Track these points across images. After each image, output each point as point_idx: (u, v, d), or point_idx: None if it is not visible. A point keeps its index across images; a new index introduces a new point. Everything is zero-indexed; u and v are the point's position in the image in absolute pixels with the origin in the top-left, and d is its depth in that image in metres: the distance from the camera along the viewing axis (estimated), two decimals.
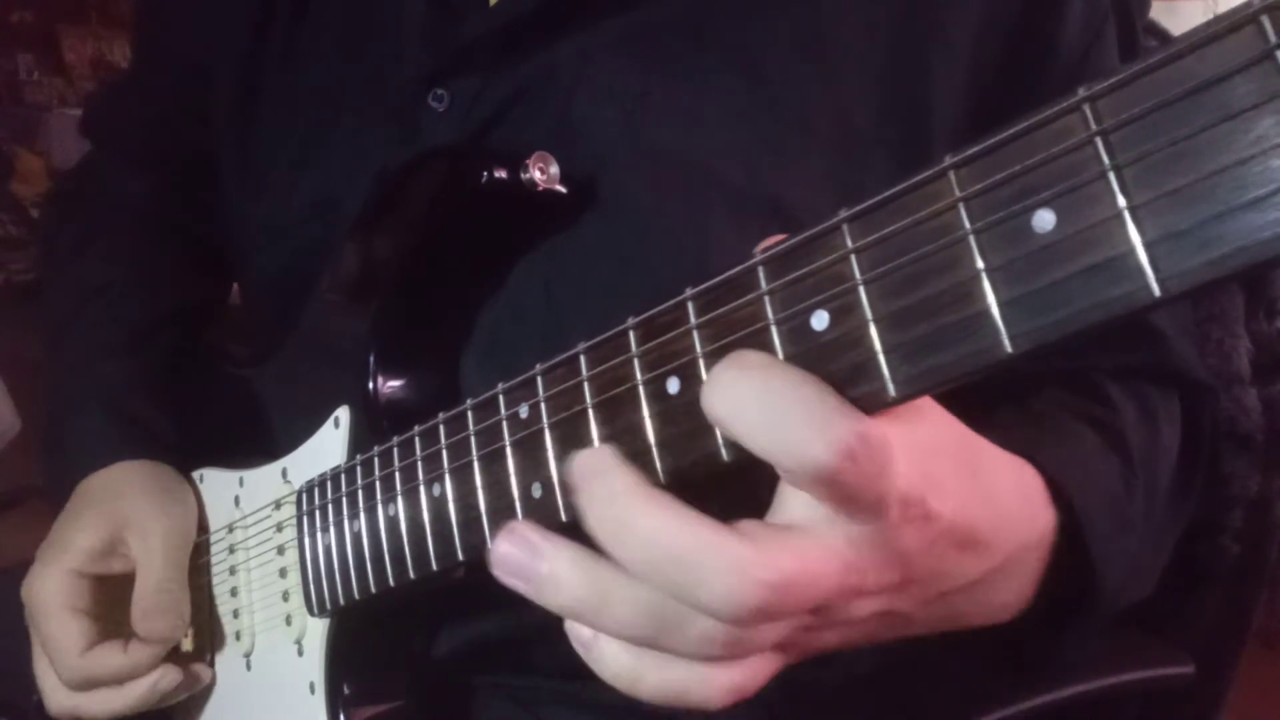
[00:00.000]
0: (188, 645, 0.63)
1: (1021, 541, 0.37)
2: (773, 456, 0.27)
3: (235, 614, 0.61)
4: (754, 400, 0.27)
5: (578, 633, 0.32)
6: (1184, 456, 0.53)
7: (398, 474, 0.47)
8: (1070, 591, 0.41)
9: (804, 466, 0.26)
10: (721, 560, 0.27)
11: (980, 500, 0.33)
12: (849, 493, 0.27)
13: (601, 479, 0.29)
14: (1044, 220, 0.24)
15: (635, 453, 0.35)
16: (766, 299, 0.31)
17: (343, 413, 0.55)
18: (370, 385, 0.54)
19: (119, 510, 0.59)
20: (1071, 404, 0.49)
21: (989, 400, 0.46)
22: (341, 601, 0.51)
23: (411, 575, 0.46)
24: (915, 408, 0.30)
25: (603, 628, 0.31)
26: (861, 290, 0.28)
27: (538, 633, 0.56)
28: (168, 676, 0.58)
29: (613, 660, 0.32)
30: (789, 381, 0.27)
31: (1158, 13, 0.59)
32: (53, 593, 0.57)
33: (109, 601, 0.59)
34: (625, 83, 0.52)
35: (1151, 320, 0.53)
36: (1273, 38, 0.21)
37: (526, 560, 0.30)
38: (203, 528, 0.64)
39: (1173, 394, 0.54)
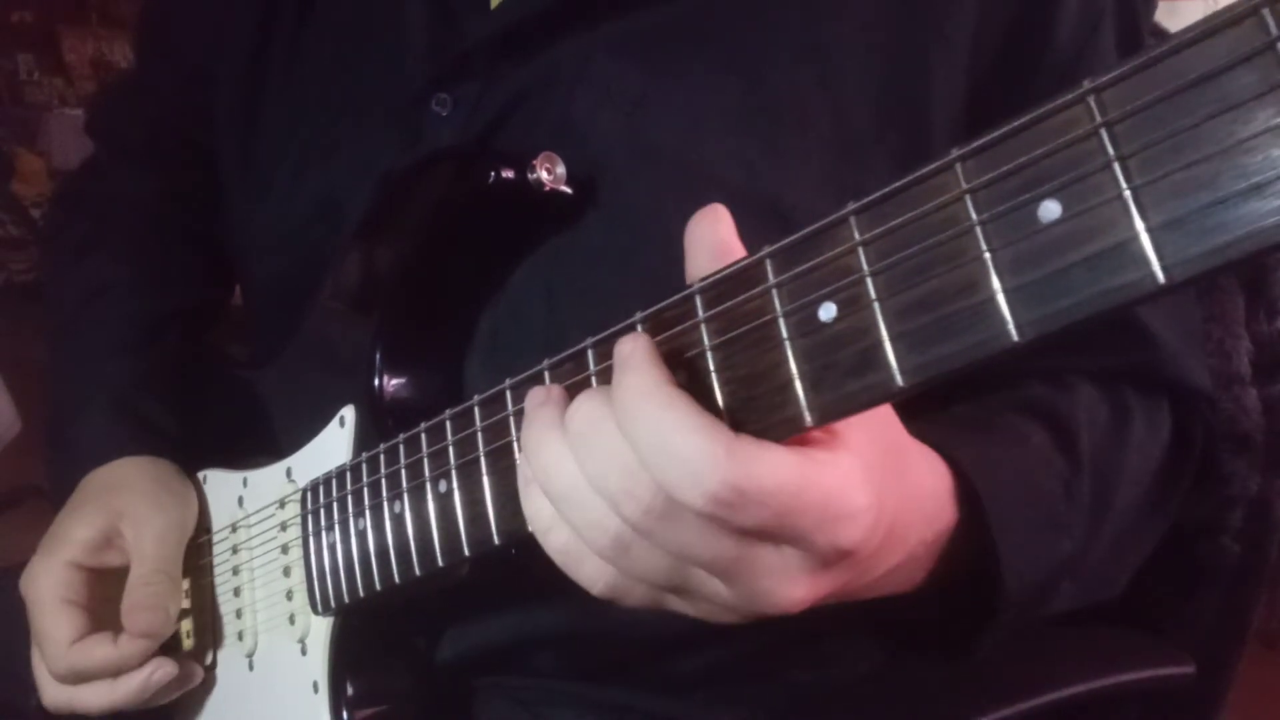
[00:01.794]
0: (189, 644, 0.63)
1: (923, 538, 0.40)
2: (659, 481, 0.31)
3: (238, 613, 0.61)
4: (648, 430, 0.31)
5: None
6: (1168, 463, 0.54)
7: (403, 471, 0.47)
8: (980, 584, 0.44)
9: (685, 501, 0.31)
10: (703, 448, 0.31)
11: (903, 502, 0.37)
12: (746, 528, 0.31)
13: (635, 370, 0.33)
14: (1049, 210, 0.25)
15: None
16: (774, 291, 0.31)
17: (348, 412, 0.55)
18: (375, 383, 0.54)
19: (116, 503, 0.59)
20: (1032, 398, 0.50)
21: (950, 391, 0.48)
22: (346, 600, 0.51)
23: (417, 572, 0.46)
24: (848, 422, 0.33)
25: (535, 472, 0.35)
26: (869, 281, 0.28)
27: (540, 633, 0.57)
28: (160, 671, 0.57)
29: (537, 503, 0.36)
30: (682, 423, 0.31)
31: (1159, 13, 0.60)
32: (47, 584, 0.58)
33: (106, 595, 0.59)
34: (625, 85, 0.53)
35: (1149, 326, 0.53)
36: (1274, 29, 0.21)
37: (534, 401, 0.36)
38: (206, 528, 0.64)
39: (1160, 401, 0.54)
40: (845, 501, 0.32)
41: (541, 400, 0.36)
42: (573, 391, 0.36)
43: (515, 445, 0.40)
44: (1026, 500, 0.45)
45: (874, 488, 0.33)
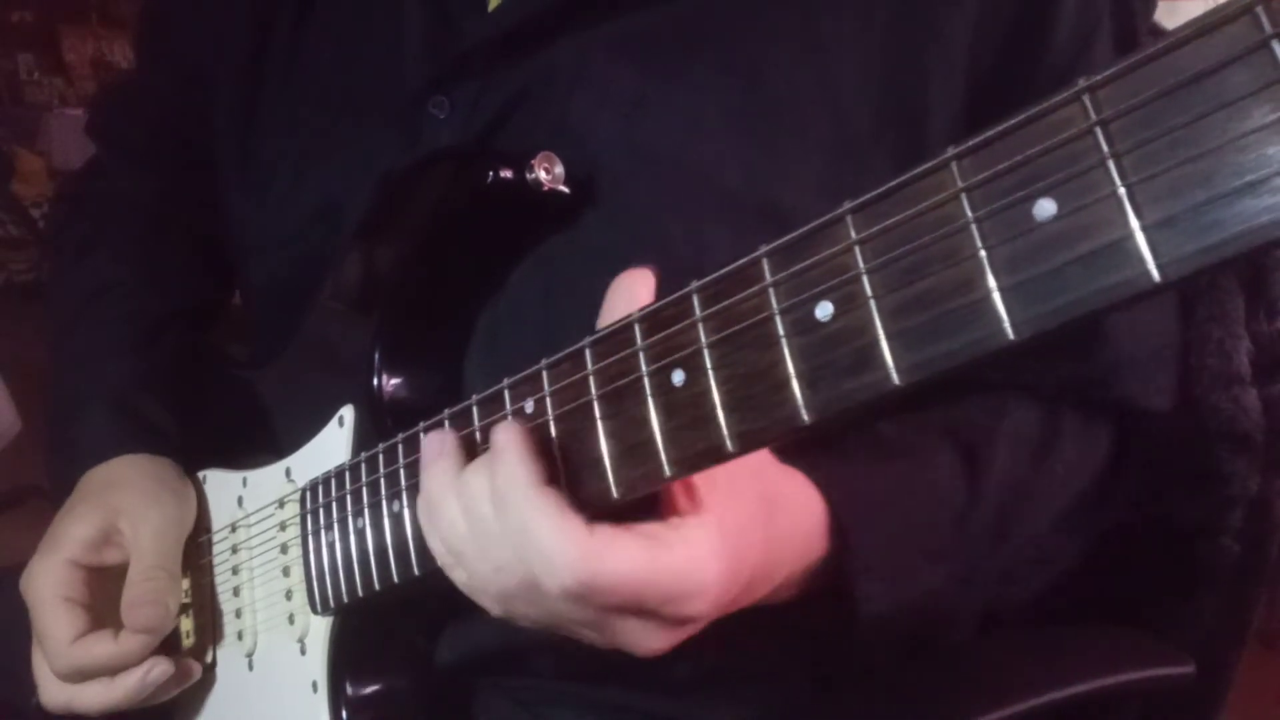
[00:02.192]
0: (189, 643, 0.63)
1: (791, 572, 0.45)
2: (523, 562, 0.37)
3: (238, 613, 0.61)
4: (516, 521, 0.37)
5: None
6: (1097, 485, 0.55)
7: (402, 470, 0.47)
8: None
9: (545, 586, 0.36)
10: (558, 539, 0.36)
11: (770, 548, 0.42)
12: (603, 607, 0.37)
13: (504, 462, 0.38)
14: (1045, 209, 0.25)
15: (639, 443, 0.35)
16: (771, 290, 0.31)
17: (347, 411, 0.55)
18: (375, 382, 0.54)
19: (113, 501, 0.59)
20: (959, 419, 0.52)
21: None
22: (345, 599, 0.51)
23: (415, 572, 0.46)
24: (713, 484, 0.38)
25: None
26: (865, 280, 0.28)
27: (539, 634, 0.57)
28: (157, 668, 0.57)
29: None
30: (542, 522, 0.36)
31: (1158, 13, 0.60)
32: (46, 583, 0.58)
33: (106, 594, 0.59)
34: (622, 87, 0.53)
35: (1113, 339, 0.53)
36: (1268, 27, 0.21)
37: (432, 451, 0.42)
38: (205, 527, 0.64)
39: (1100, 420, 0.55)
40: (691, 581, 0.37)
41: (437, 452, 0.41)
42: (479, 438, 0.41)
43: None
44: (898, 533, 0.48)
45: (729, 552, 0.38)
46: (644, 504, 0.38)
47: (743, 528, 0.39)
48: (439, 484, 0.40)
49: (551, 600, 0.37)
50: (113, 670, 0.57)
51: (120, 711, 0.58)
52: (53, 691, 0.58)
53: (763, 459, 0.42)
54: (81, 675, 0.57)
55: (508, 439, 0.38)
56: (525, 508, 0.36)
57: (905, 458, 0.51)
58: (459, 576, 0.41)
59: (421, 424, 0.46)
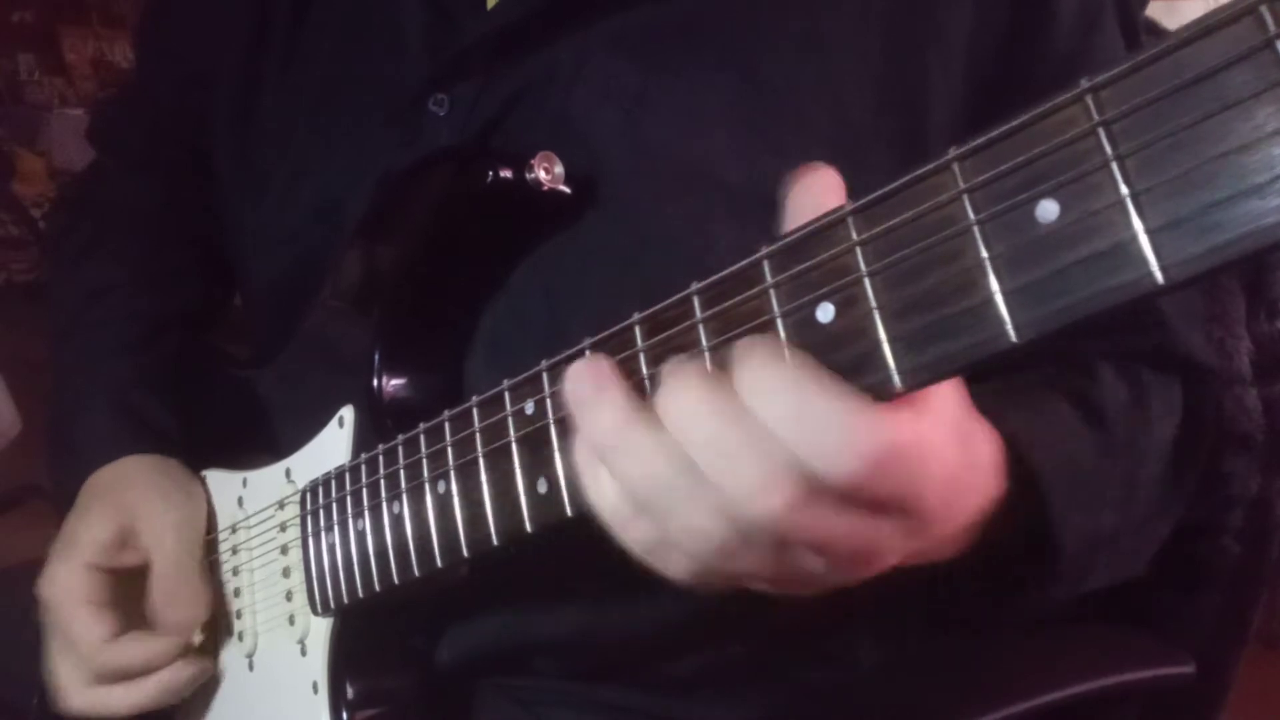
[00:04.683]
0: (199, 642, 0.63)
1: (978, 507, 0.39)
2: (802, 457, 0.29)
3: (238, 614, 0.61)
4: (786, 396, 0.28)
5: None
6: (1181, 444, 0.53)
7: (402, 471, 0.47)
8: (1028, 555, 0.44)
9: (833, 475, 0.28)
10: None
11: (967, 473, 0.35)
12: (880, 499, 0.29)
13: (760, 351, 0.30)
14: (1047, 210, 0.25)
15: None
16: (772, 292, 0.31)
17: (347, 412, 0.55)
18: (375, 383, 0.54)
19: (127, 502, 0.59)
20: (1056, 379, 0.50)
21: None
22: (345, 600, 0.51)
23: (416, 572, 0.46)
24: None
25: (616, 472, 0.32)
26: (866, 282, 0.28)
27: (540, 634, 0.57)
28: (192, 666, 0.58)
29: (610, 496, 0.33)
30: (823, 386, 0.28)
31: (1158, 13, 0.60)
32: (71, 588, 0.57)
33: (124, 595, 0.59)
34: (623, 83, 0.53)
35: (1160, 306, 0.53)
36: (1272, 28, 0.21)
37: (591, 385, 0.33)
38: (207, 528, 0.64)
39: (1174, 381, 0.54)
40: (948, 462, 0.31)
41: (596, 385, 0.33)
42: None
43: (513, 447, 0.40)
44: (1072, 474, 0.44)
45: (956, 449, 0.32)
46: None
47: (958, 433, 0.33)
48: (615, 417, 0.32)
49: (826, 507, 0.30)
50: (147, 670, 0.57)
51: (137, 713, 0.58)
52: (77, 695, 0.58)
53: (953, 386, 0.35)
54: (116, 677, 0.57)
55: (753, 339, 0.31)
56: (801, 378, 0.29)
57: (1032, 408, 0.47)
58: (640, 532, 0.33)
59: (421, 425, 0.46)
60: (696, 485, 0.30)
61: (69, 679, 0.58)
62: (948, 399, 0.32)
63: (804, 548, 0.31)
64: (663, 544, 0.33)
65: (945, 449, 0.31)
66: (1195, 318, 0.56)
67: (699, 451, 0.30)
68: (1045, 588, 0.45)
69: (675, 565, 0.33)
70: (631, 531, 0.33)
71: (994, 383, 0.48)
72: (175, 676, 0.57)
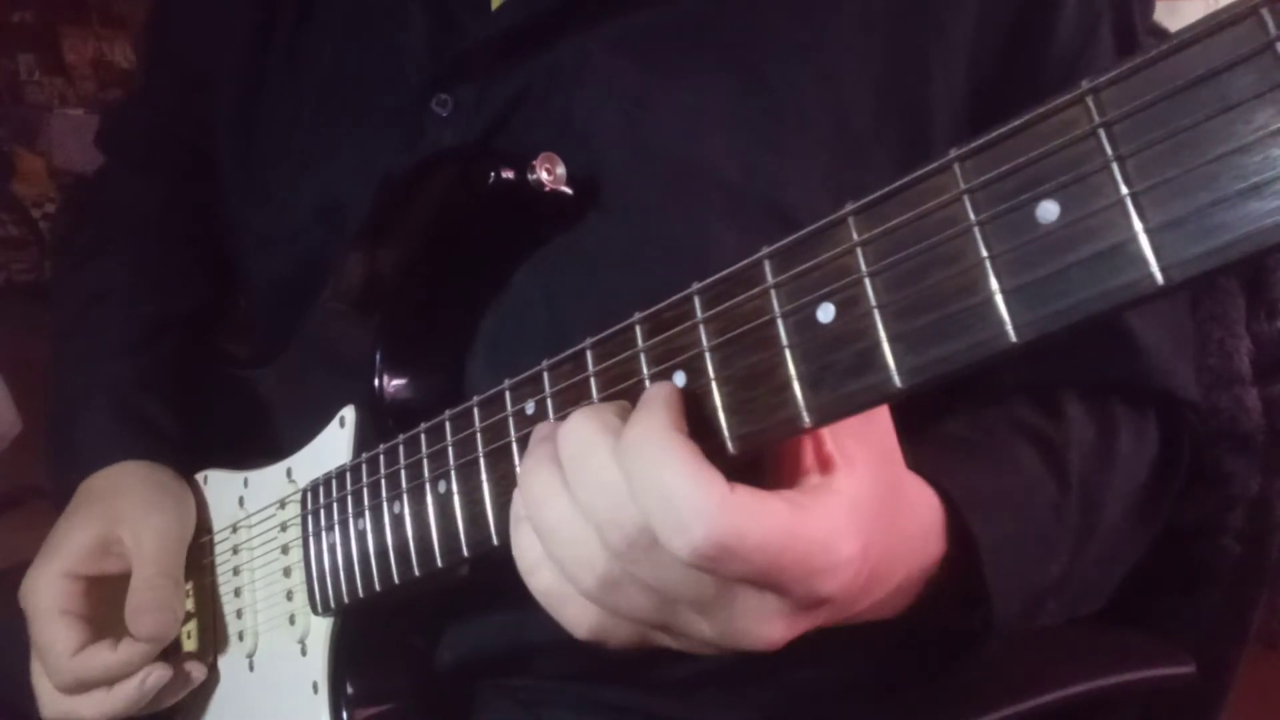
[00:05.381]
0: (190, 645, 0.63)
1: (909, 573, 0.41)
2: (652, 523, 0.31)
3: (239, 614, 0.61)
4: (645, 466, 0.31)
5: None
6: (1155, 477, 0.54)
7: (403, 471, 0.47)
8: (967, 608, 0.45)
9: (672, 547, 0.31)
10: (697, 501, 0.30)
11: (893, 542, 0.37)
12: (735, 577, 0.32)
13: (650, 411, 0.33)
14: (1048, 211, 0.25)
15: None
16: (772, 292, 0.31)
17: (348, 412, 0.55)
18: (376, 383, 0.54)
19: (112, 509, 0.59)
20: (1021, 418, 0.51)
21: (942, 407, 0.48)
22: (346, 600, 0.51)
23: (416, 572, 0.46)
24: (850, 459, 0.34)
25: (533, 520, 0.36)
26: (867, 282, 0.28)
27: (540, 635, 0.57)
28: (154, 675, 0.57)
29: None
30: (686, 463, 0.31)
31: (1159, 13, 0.60)
32: (44, 595, 0.57)
33: (106, 602, 0.59)
34: (624, 84, 0.53)
35: (1138, 337, 0.53)
36: (1273, 29, 0.21)
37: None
38: (206, 529, 0.64)
39: (1147, 413, 0.54)
40: (829, 555, 0.32)
41: (544, 435, 0.36)
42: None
43: (514, 447, 0.40)
44: (1016, 530, 0.46)
45: (862, 534, 0.33)
46: (754, 466, 0.34)
47: (876, 509, 0.35)
48: (535, 460, 0.35)
49: (672, 570, 0.32)
50: (114, 680, 0.57)
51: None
52: (53, 704, 0.58)
53: (892, 446, 0.37)
54: (83, 686, 0.57)
55: (659, 389, 0.33)
56: (663, 453, 0.31)
57: (991, 456, 0.48)
58: (542, 580, 0.36)
59: (422, 425, 0.46)
60: (578, 522, 0.34)
61: (42, 688, 0.58)
62: (872, 475, 0.34)
63: (683, 605, 0.34)
64: (559, 591, 0.36)
65: (844, 535, 0.33)
66: (1184, 349, 0.56)
67: (575, 487, 0.33)
68: (985, 638, 0.45)
69: (573, 614, 0.36)
70: (536, 580, 0.36)
71: (960, 422, 0.50)
72: (144, 683, 0.57)
